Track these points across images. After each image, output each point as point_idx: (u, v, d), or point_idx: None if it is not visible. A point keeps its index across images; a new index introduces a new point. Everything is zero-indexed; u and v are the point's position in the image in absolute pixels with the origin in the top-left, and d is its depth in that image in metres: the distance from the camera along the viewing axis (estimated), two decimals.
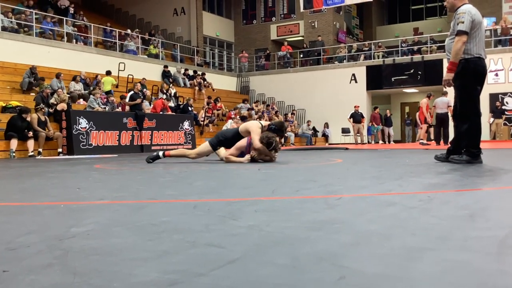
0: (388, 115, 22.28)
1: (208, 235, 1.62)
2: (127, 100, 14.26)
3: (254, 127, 6.15)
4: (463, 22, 4.78)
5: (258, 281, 1.10)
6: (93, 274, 1.17)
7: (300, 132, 21.98)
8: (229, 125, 18.01)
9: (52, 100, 13.05)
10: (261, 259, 1.30)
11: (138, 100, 14.19)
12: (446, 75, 4.92)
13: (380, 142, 21.56)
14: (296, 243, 1.48)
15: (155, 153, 6.69)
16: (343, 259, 1.29)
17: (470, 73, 4.87)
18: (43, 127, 11.54)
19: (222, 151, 6.60)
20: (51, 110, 12.71)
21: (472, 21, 4.80)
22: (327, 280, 1.11)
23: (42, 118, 11.62)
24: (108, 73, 16.71)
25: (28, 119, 11.23)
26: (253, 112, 20.76)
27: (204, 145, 6.59)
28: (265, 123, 6.39)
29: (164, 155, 6.57)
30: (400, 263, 1.24)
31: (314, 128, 22.84)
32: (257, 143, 5.97)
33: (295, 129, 21.67)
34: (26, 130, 10.98)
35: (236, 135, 6.30)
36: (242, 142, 6.14)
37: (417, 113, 19.05)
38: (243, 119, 18.59)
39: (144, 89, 16.53)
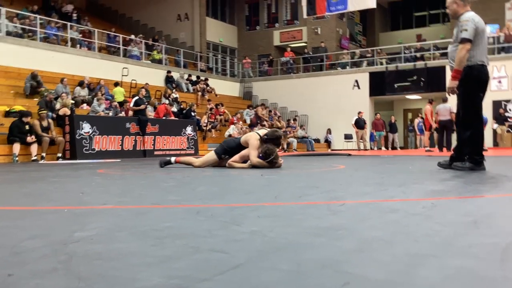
0: (393, 121, 22.28)
1: (211, 241, 1.62)
2: (131, 105, 14.29)
3: (253, 140, 6.11)
4: (466, 30, 4.79)
5: (261, 287, 1.10)
6: (97, 279, 1.18)
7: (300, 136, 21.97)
8: (232, 130, 18.04)
9: (57, 106, 13.07)
10: (264, 264, 1.31)
11: (143, 106, 14.21)
12: (451, 82, 4.93)
13: (383, 148, 21.53)
14: (299, 249, 1.49)
15: (167, 158, 6.82)
16: (346, 265, 1.29)
17: (473, 80, 4.88)
18: (46, 132, 11.57)
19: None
20: (54, 115, 12.74)
21: (475, 28, 4.81)
22: (330, 286, 1.11)
23: (44, 123, 11.63)
24: (117, 84, 16.79)
25: (31, 122, 11.26)
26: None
27: (209, 154, 6.61)
28: (263, 131, 6.34)
29: (175, 161, 6.67)
30: (403, 270, 1.24)
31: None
32: (253, 159, 6.00)
33: (297, 135, 21.66)
34: (28, 134, 11.00)
35: (239, 146, 6.32)
36: (247, 152, 6.16)
37: (416, 120, 19.08)
38: (252, 126, 18.61)
39: (149, 99, 16.63)
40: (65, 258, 1.39)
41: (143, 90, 15.64)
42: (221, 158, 6.46)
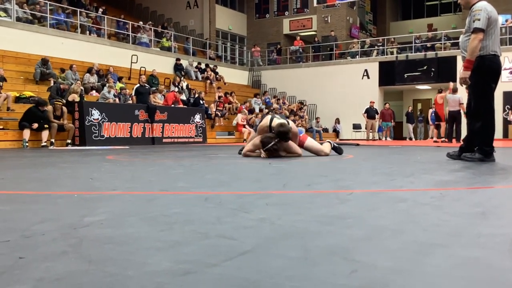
0: (410, 110, 22.21)
1: (219, 227, 1.63)
2: (133, 93, 14.34)
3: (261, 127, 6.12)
4: (479, 20, 4.73)
5: (270, 273, 1.11)
6: (107, 262, 1.19)
7: (309, 126, 21.94)
8: (240, 119, 18.04)
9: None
10: (273, 251, 1.31)
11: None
12: (463, 73, 4.88)
13: (388, 139, 21.43)
14: (307, 237, 1.49)
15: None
16: (354, 253, 1.29)
17: (485, 71, 4.83)
18: (58, 119, 11.69)
19: None
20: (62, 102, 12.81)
21: (488, 18, 4.75)
22: (338, 273, 1.11)
23: (58, 112, 11.73)
24: (120, 79, 16.52)
25: (46, 109, 11.36)
26: (263, 107, 20.76)
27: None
28: (276, 121, 6.05)
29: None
30: (412, 257, 1.24)
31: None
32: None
33: (305, 124, 21.61)
34: (41, 121, 11.08)
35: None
36: (294, 147, 6.09)
37: (430, 110, 18.90)
38: (251, 112, 18.63)
39: (157, 85, 16.49)
40: (75, 241, 1.40)
41: (143, 76, 15.54)
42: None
